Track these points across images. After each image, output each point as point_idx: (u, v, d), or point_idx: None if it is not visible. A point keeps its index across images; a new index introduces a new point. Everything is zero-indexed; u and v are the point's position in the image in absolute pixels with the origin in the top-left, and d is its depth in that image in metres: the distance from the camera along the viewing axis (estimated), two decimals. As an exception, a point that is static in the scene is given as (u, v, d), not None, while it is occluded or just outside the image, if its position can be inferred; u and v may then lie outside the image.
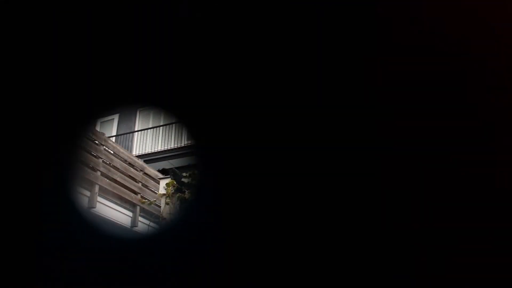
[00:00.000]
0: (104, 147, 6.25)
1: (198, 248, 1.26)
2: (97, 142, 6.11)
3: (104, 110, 1.45)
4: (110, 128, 10.85)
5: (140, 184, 6.96)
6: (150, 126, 10.51)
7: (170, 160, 9.46)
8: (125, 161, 6.76)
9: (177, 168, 8.57)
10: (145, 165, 7.46)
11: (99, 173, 5.94)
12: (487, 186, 1.22)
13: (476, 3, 1.18)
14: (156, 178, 7.47)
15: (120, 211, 6.42)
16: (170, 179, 7.37)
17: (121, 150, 6.98)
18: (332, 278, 1.23)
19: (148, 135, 10.31)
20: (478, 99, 1.23)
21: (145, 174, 7.24)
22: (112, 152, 6.48)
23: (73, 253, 1.26)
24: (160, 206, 7.06)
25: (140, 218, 6.69)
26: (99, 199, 5.90)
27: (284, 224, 1.25)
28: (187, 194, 7.04)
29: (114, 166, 6.36)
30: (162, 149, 9.89)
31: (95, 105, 1.33)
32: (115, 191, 6.23)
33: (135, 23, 1.19)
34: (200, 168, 1.48)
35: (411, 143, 1.27)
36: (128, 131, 10.60)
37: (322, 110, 1.24)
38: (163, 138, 10.14)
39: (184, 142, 9.91)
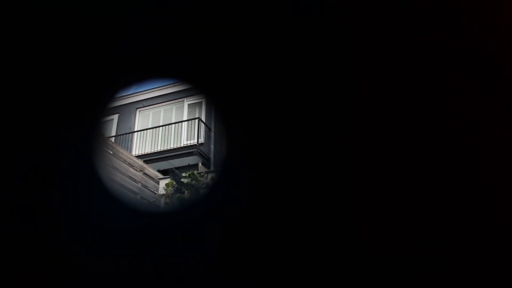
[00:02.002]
0: (104, 147, 6.25)
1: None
2: (96, 142, 6.09)
3: (122, 84, 1.42)
4: (110, 128, 10.85)
5: (139, 185, 6.96)
6: (150, 127, 10.50)
7: (169, 160, 9.46)
8: (124, 161, 6.75)
9: (176, 168, 8.58)
10: (144, 165, 7.45)
11: (98, 173, 5.93)
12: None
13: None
14: (155, 178, 7.46)
15: (119, 212, 6.40)
16: (169, 179, 7.37)
17: (121, 150, 6.98)
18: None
19: (148, 135, 10.31)
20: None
21: (145, 174, 7.23)
22: (111, 152, 6.47)
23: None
24: (159, 207, 7.06)
25: (140, 219, 6.69)
26: (99, 199, 5.89)
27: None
28: (186, 194, 7.05)
29: (113, 166, 6.36)
30: (162, 149, 9.89)
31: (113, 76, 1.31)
32: (114, 192, 6.22)
33: None
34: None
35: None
36: (127, 131, 10.59)
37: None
38: (163, 138, 10.14)
39: (183, 142, 9.91)
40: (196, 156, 9.42)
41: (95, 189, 1.31)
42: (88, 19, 1.16)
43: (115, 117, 10.96)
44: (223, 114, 1.43)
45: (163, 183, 7.36)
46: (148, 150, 10.01)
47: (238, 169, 1.33)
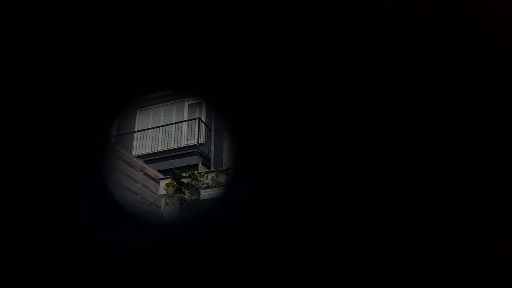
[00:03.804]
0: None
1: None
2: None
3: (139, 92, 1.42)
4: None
5: (139, 185, 6.96)
6: (150, 127, 10.50)
7: (170, 160, 9.46)
8: (124, 161, 6.76)
9: (177, 168, 8.58)
10: (145, 165, 7.45)
11: (98, 173, 5.93)
12: None
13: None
14: (156, 178, 7.46)
15: (119, 212, 6.40)
16: (170, 179, 7.38)
17: (121, 150, 6.98)
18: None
19: (148, 135, 10.31)
20: None
21: (145, 174, 7.23)
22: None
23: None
24: (160, 207, 7.07)
25: (140, 219, 6.68)
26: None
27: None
28: (186, 194, 7.05)
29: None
30: (162, 149, 9.89)
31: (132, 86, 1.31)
32: (114, 192, 6.22)
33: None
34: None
35: None
36: (127, 131, 10.60)
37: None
38: (163, 138, 10.14)
39: (184, 142, 9.92)
40: (196, 156, 9.43)
41: (107, 204, 1.31)
42: (88, 19, 1.16)
43: (116, 117, 10.96)
44: (224, 114, 1.43)
45: (163, 183, 7.36)
46: (148, 150, 10.01)
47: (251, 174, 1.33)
